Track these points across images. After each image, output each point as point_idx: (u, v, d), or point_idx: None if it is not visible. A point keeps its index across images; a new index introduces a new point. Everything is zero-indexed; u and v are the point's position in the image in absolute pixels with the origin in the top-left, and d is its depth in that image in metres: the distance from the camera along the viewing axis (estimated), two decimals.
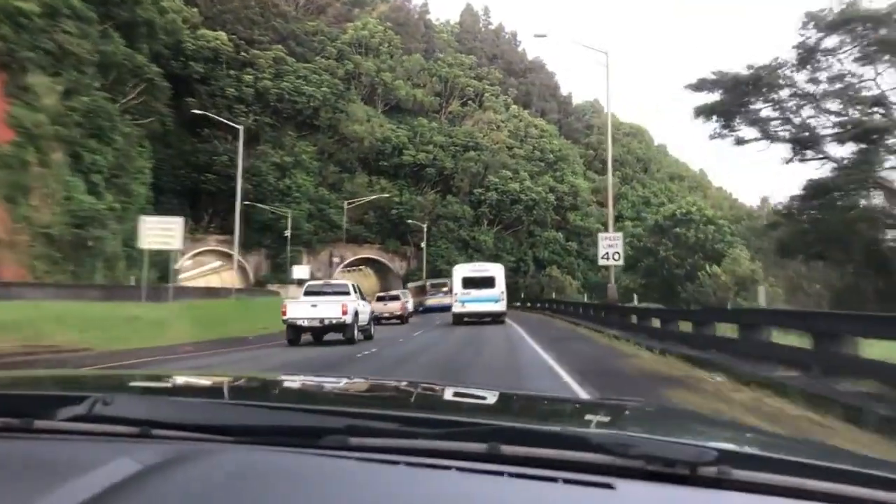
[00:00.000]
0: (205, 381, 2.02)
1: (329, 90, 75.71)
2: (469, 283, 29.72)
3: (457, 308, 29.80)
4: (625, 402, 1.80)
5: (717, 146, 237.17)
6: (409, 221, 72.01)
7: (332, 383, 2.08)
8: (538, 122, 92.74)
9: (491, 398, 1.93)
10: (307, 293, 20.05)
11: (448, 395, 1.96)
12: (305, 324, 18.56)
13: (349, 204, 63.15)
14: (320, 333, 19.53)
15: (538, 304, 49.13)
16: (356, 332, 19.13)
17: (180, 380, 2.03)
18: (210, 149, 67.01)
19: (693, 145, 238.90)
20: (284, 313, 18.74)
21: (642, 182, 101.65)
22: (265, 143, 72.65)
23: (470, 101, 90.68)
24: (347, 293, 19.85)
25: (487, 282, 29.72)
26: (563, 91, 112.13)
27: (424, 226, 70.64)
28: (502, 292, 29.77)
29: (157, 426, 1.12)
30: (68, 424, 1.13)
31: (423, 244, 70.66)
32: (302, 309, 18.72)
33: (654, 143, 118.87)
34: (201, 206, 68.31)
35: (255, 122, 70.59)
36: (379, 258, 75.86)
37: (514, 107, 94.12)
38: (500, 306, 29.54)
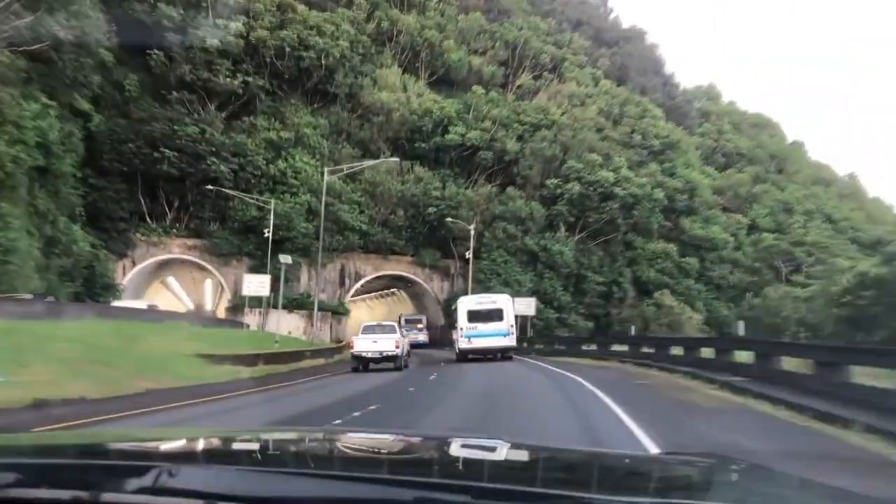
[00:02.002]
0: (267, 446, 1.98)
1: (349, 45, 55.23)
2: (475, 316, 27.41)
3: (462, 344, 27.26)
4: (698, 459, 1.76)
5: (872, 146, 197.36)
6: (451, 220, 49.87)
7: (394, 440, 2.14)
8: (640, 100, 69.28)
9: (557, 458, 1.91)
10: (365, 331, 24.12)
11: (515, 454, 1.93)
12: (369, 355, 22.54)
13: (332, 172, 41.56)
14: (377, 362, 22.60)
15: (604, 348, 24.75)
16: (403, 362, 23.33)
17: (243, 444, 2.00)
18: (172, 115, 47.37)
19: (837, 145, 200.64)
20: (352, 347, 23.39)
21: (777, 184, 75.93)
22: (261, 115, 52.80)
23: (545, 73, 68.35)
24: (395, 331, 24.53)
25: (495, 315, 27.39)
26: (668, 69, 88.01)
27: (472, 228, 48.38)
28: (511, 326, 27.51)
29: (222, 499, 1.13)
30: (134, 497, 1.14)
31: (468, 254, 48.34)
32: (366, 344, 22.83)
33: (787, 140, 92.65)
34: (160, 195, 48.58)
35: (243, 84, 50.78)
36: (411, 276, 54.06)
37: (604, 82, 71.16)
38: (509, 341, 27.22)
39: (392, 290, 62.81)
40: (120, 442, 2.03)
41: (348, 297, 52.80)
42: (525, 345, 34.86)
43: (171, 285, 63.07)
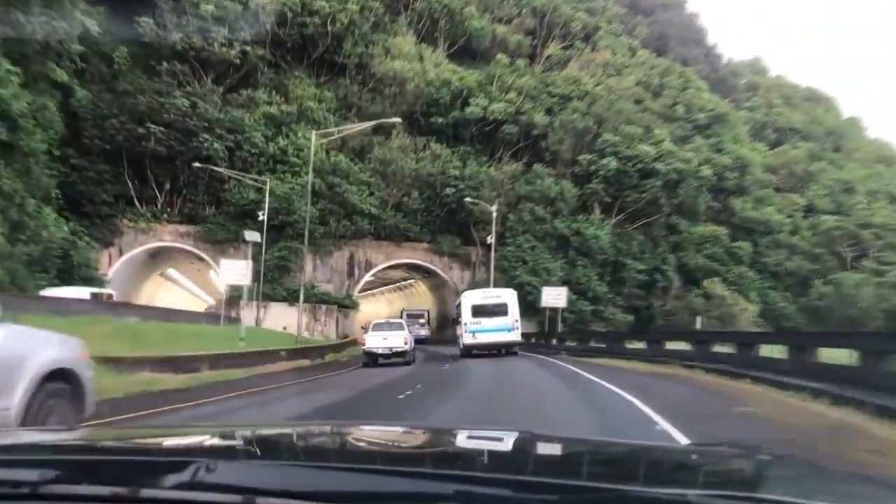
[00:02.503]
0: (306, 441, 1.98)
1: (358, 10, 49.95)
2: (479, 311, 26.85)
3: (466, 339, 26.65)
4: (729, 450, 1.78)
5: None
6: (471, 201, 44.29)
7: (427, 433, 2.18)
8: (682, 70, 62.78)
9: (594, 451, 1.91)
10: (375, 328, 24.79)
11: (549, 446, 1.93)
12: (380, 351, 23.39)
13: (323, 136, 36.00)
14: (387, 358, 23.36)
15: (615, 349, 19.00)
16: (412, 357, 24.11)
17: (281, 438, 2.01)
18: (160, 87, 42.57)
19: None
20: (364, 344, 24.20)
21: (835, 162, 68.70)
22: (261, 89, 47.81)
23: (577, 43, 62.20)
24: (403, 328, 24.98)
25: (499, 309, 26.89)
26: (710, 40, 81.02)
27: (494, 209, 42.74)
28: (516, 321, 26.89)
29: (261, 494, 1.12)
30: (173, 493, 1.16)
31: (489, 239, 42.71)
32: (377, 341, 23.60)
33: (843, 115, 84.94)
34: (149, 177, 43.83)
35: (241, 54, 45.83)
36: (427, 264, 48.63)
37: (642, 52, 64.79)
38: (514, 336, 26.77)
39: (409, 280, 57.45)
40: (158, 437, 2.02)
41: (358, 289, 47.60)
42: (555, 342, 29.14)
43: (176, 278, 58.61)
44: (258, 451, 1.74)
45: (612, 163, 46.74)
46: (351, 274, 46.86)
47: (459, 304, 29.00)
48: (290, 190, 43.11)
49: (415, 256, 48.18)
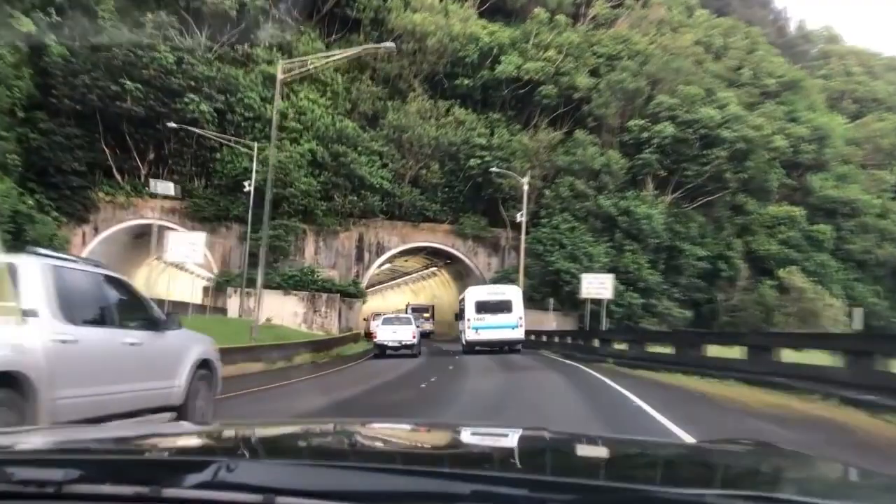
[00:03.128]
0: (325, 439, 2.01)
1: None
2: (483, 307, 26.55)
3: (469, 336, 26.58)
4: (742, 448, 1.78)
5: None
6: (497, 170, 37.49)
7: (443, 431, 2.21)
8: (748, 29, 54.69)
9: (609, 449, 1.90)
10: (385, 322, 26.35)
11: (562, 444, 1.94)
12: (390, 344, 24.67)
13: (287, 70, 29.25)
14: (395, 350, 24.51)
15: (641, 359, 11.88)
16: (418, 349, 25.36)
17: (301, 436, 2.02)
18: (140, 40, 36.66)
19: None
20: (375, 336, 26.62)
21: None
22: (260, 46, 41.67)
23: (626, 0, 54.50)
24: (411, 323, 26.14)
25: (503, 306, 26.42)
26: (777, 3, 72.22)
27: (525, 181, 35.87)
28: (520, 318, 26.40)
29: (281, 493, 1.13)
30: (194, 492, 1.17)
31: (520, 216, 35.88)
32: (387, 334, 25.05)
33: None
34: (129, 145, 38.09)
35: (237, 5, 39.77)
36: (449, 248, 41.97)
37: (701, 12, 56.79)
38: (518, 333, 26.18)
39: (433, 268, 50.89)
40: (179, 437, 2.02)
41: (368, 276, 41.23)
42: (597, 343, 22.18)
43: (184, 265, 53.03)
44: (278, 450, 1.74)
45: (668, 128, 39.34)
46: (360, 259, 40.50)
47: (463, 300, 28.65)
48: (289, 158, 36.86)
49: (434, 239, 41.58)
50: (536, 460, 1.75)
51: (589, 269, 34.52)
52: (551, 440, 1.92)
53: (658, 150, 39.84)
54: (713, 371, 12.34)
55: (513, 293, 27.65)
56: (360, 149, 39.10)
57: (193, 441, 1.93)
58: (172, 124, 33.32)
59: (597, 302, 31.02)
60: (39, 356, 4.89)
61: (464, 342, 27.20)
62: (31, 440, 1.73)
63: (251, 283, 36.71)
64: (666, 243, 39.62)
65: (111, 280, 6.27)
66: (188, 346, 6.96)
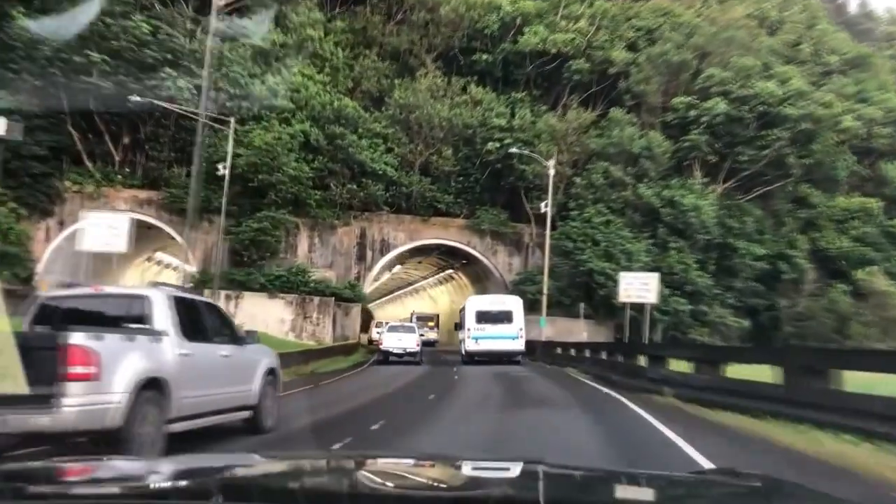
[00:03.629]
0: (321, 478, 1.94)
1: None
2: (483, 317, 26.11)
3: (469, 346, 26.08)
4: (749, 482, 1.78)
5: None
6: (517, 150, 32.13)
7: (448, 467, 2.12)
8: (806, 2, 48.53)
9: (608, 482, 1.92)
10: (391, 330, 27.32)
11: (571, 480, 1.92)
12: (395, 350, 25.67)
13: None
14: (400, 356, 25.67)
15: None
16: (421, 356, 26.06)
17: (296, 474, 1.96)
18: (112, 8, 32.08)
19: None
20: (381, 344, 27.16)
21: None
22: (252, 17, 36.84)
23: None
24: (415, 331, 27.33)
25: (504, 317, 26.02)
26: None
27: (551, 165, 30.45)
28: (521, 329, 26.09)
29: None
30: None
31: (544, 206, 30.45)
32: (393, 342, 25.97)
33: None
34: (100, 127, 33.50)
35: None
36: (464, 247, 36.57)
37: None
38: (518, 345, 25.82)
39: (448, 270, 45.52)
40: (171, 476, 1.93)
41: (371, 277, 36.01)
42: (643, 362, 16.46)
43: (172, 264, 48.49)
44: (272, 489, 1.70)
45: (720, 105, 33.51)
46: (361, 258, 35.32)
47: (464, 310, 28.16)
48: (276, 140, 31.89)
49: (447, 236, 36.23)
50: (528, 495, 1.71)
51: (627, 270, 28.92)
52: (552, 474, 1.89)
53: (707, 130, 34.03)
54: (870, 422, 6.75)
55: (514, 304, 27.04)
56: (360, 131, 34.01)
57: (189, 481, 1.82)
58: (135, 98, 28.51)
59: (638, 308, 25.40)
60: (171, 366, 6.41)
61: (463, 352, 26.66)
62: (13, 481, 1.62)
63: (235, 285, 31.83)
64: (717, 240, 33.79)
65: (207, 305, 8.18)
66: (260, 357, 8.43)
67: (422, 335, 29.22)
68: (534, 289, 33.09)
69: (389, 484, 1.82)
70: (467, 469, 2.04)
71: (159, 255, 45.77)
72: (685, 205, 32.69)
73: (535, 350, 29.96)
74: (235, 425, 7.70)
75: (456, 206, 36.03)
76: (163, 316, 6.53)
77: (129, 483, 1.67)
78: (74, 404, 5.36)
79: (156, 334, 6.35)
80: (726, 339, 31.97)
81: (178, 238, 34.29)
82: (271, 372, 8.45)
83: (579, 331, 30.83)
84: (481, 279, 40.19)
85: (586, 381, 17.06)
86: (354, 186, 33.62)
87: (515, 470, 1.98)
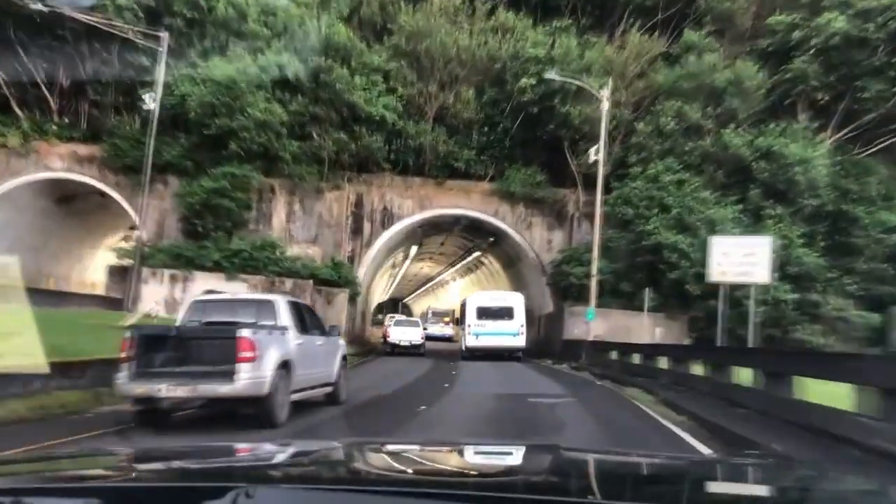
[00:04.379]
0: (343, 462, 1.97)
1: None
2: (484, 313, 25.85)
3: (469, 342, 25.93)
4: (761, 461, 1.93)
5: None
6: (560, 78, 23.95)
7: (468, 451, 2.15)
8: None
9: (623, 465, 1.94)
10: (397, 324, 29.26)
11: (589, 464, 1.93)
12: (401, 343, 27.25)
13: None
14: (405, 349, 27.20)
15: None
16: (423, 349, 27.99)
17: (319, 459, 2.00)
18: None
19: None
20: (388, 336, 28.38)
21: None
22: None
23: None
24: (419, 325, 29.69)
25: (505, 313, 25.64)
26: None
27: (605, 97, 22.13)
28: (522, 325, 25.61)
29: None
30: None
31: (594, 154, 22.19)
32: (399, 334, 27.69)
33: None
34: (26, 63, 26.38)
35: None
36: (490, 218, 28.41)
37: None
38: (519, 341, 25.46)
39: (476, 253, 37.37)
40: (198, 460, 1.99)
41: (371, 256, 28.17)
42: (794, 389, 8.22)
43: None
44: (296, 474, 1.75)
45: (837, 21, 24.55)
46: (357, 231, 27.62)
47: (464, 305, 28.15)
48: (241, 74, 24.31)
49: (468, 204, 28.22)
50: (548, 480, 1.74)
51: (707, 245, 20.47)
52: (563, 457, 1.93)
53: (817, 58, 25.14)
54: None
55: (515, 300, 26.62)
56: (354, 65, 26.20)
57: (212, 465, 1.89)
58: (39, 5, 21.23)
59: (742, 285, 17.01)
60: (293, 351, 8.49)
61: (464, 348, 26.47)
62: (50, 469, 1.70)
63: (183, 262, 24.41)
64: (829, 206, 24.97)
65: (305, 306, 10.43)
66: (339, 346, 10.67)
67: (425, 328, 31.11)
68: (580, 271, 24.90)
69: (409, 470, 1.84)
70: (487, 454, 2.03)
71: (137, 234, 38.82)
72: (787, 157, 23.94)
73: (580, 353, 21.76)
74: (319, 399, 9.58)
75: (479, 166, 27.98)
76: (285, 315, 8.81)
77: (153, 466, 1.79)
78: (244, 378, 7.49)
79: (282, 329, 8.54)
80: (846, 339, 23.25)
81: (125, 204, 27.12)
82: (344, 357, 10.75)
83: (641, 328, 22.56)
84: (513, 262, 32.05)
85: (681, 432, 8.61)
86: (343, 136, 25.86)
87: (533, 454, 2.04)
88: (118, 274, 25.28)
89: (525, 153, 27.60)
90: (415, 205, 27.94)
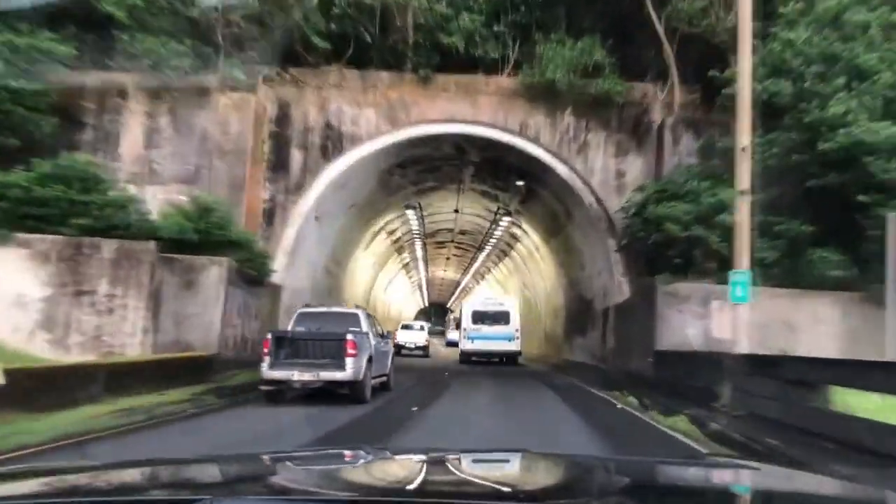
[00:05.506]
0: (312, 471, 1.92)
1: None
2: (480, 317, 26.82)
3: (465, 345, 27.12)
4: (745, 464, 1.85)
5: None
6: None
7: (440, 461, 2.05)
8: None
9: (613, 470, 1.90)
10: (404, 328, 33.33)
11: (578, 470, 1.92)
12: (408, 345, 30.90)
13: None
14: (410, 350, 30.90)
15: None
16: (428, 351, 32.49)
17: (288, 468, 1.94)
18: None
19: None
20: (395, 339, 26.13)
21: None
22: None
23: None
24: (424, 330, 33.57)
25: (501, 317, 26.54)
26: None
27: None
28: (517, 330, 26.58)
29: None
30: None
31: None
32: (406, 337, 31.51)
33: None
34: None
35: None
36: (514, 138, 16.16)
37: None
38: (514, 346, 26.48)
39: (504, 216, 25.20)
40: (164, 470, 1.94)
41: (303, 212, 16.27)
42: None
43: None
44: (262, 485, 1.70)
45: None
46: (280, 165, 15.93)
47: (460, 308, 31.20)
48: None
49: (474, 115, 16.19)
50: (541, 487, 1.71)
51: None
52: (556, 464, 1.92)
53: None
54: None
55: (511, 304, 27.57)
56: None
57: (178, 476, 1.84)
58: None
59: None
60: (373, 350, 11.85)
61: (460, 351, 27.13)
62: (18, 485, 1.66)
63: None
64: None
65: (371, 316, 13.78)
66: (391, 347, 14.53)
67: (425, 330, 33.93)
68: (686, 213, 12.65)
69: (384, 479, 1.82)
70: (457, 463, 2.00)
71: None
72: None
73: (713, 383, 9.53)
74: (376, 387, 12.22)
75: (490, 46, 16.00)
76: (365, 323, 12.40)
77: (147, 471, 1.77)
78: (350, 367, 10.85)
79: (365, 334, 11.94)
80: None
81: None
82: (393, 356, 14.42)
83: (819, 323, 10.40)
84: (558, 222, 19.99)
85: None
86: None
87: (502, 461, 2.03)
88: None
89: (571, 15, 15.45)
90: (382, 118, 16.09)
